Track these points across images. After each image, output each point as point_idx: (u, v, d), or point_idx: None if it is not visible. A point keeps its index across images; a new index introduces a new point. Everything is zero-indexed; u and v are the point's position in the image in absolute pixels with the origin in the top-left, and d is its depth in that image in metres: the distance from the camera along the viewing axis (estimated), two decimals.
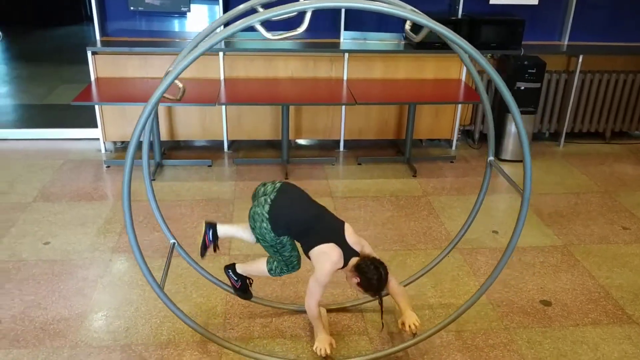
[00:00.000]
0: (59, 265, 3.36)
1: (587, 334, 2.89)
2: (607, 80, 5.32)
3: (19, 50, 6.07)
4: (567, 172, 4.91)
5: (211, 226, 2.72)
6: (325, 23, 5.06)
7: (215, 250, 2.74)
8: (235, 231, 2.73)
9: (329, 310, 2.97)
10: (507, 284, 3.29)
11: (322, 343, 2.53)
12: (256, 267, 2.69)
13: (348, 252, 2.49)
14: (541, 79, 4.90)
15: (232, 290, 2.86)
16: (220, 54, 4.84)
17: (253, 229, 2.52)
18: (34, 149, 5.07)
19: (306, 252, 2.54)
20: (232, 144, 5.25)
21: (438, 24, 2.02)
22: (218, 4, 4.79)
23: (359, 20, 5.05)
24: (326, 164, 4.95)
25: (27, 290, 3.10)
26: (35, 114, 5.74)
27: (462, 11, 4.97)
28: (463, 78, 5.13)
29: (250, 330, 2.85)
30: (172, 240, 2.89)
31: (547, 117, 5.45)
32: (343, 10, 4.88)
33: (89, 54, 4.72)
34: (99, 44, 4.77)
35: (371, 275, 2.44)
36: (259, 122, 5.11)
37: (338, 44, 5.00)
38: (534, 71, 4.81)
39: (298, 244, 2.59)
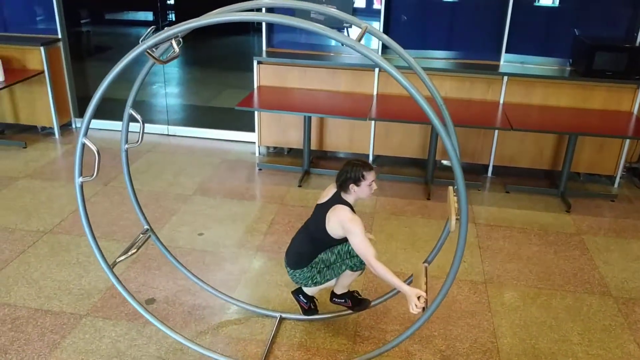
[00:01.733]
0: (209, 255, 3.62)
1: None
2: None
3: (192, 56, 6.67)
4: None
5: (298, 292, 2.88)
6: (486, 44, 4.92)
7: (316, 307, 2.91)
8: (318, 287, 2.83)
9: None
10: None
11: (411, 300, 2.33)
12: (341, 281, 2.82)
13: (340, 200, 2.57)
14: None
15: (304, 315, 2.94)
16: (376, 69, 4.92)
17: (312, 283, 2.70)
18: (197, 146, 5.54)
19: (330, 241, 2.59)
20: (377, 158, 5.30)
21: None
22: (379, 22, 4.87)
23: (522, 42, 4.84)
24: (472, 188, 4.80)
25: (180, 275, 3.38)
26: (202, 115, 6.27)
27: None
28: (635, 111, 4.69)
29: (380, 346, 2.84)
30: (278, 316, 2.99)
31: None
32: (506, 32, 4.71)
33: (255, 62, 5.06)
34: (264, 54, 5.09)
35: (352, 165, 2.51)
36: (405, 140, 5.10)
37: (497, 67, 4.83)
38: None
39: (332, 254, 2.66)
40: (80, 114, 5.93)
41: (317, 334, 2.91)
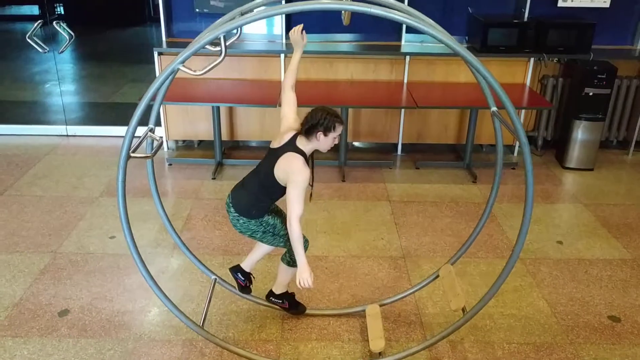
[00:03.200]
0: (123, 259, 3.46)
1: None
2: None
3: (86, 50, 6.32)
4: (636, 182, 4.70)
5: (236, 270, 2.86)
6: (387, 26, 5.02)
7: (251, 283, 2.90)
8: (254, 256, 2.86)
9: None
10: (573, 297, 3.17)
11: (303, 275, 2.38)
12: (284, 273, 2.80)
13: (295, 148, 2.46)
14: (611, 84, 4.70)
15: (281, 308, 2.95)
16: (282, 55, 4.88)
17: (249, 235, 2.63)
18: (101, 145, 5.26)
19: (277, 188, 2.48)
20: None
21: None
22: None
23: None
24: (384, 167, 4.91)
25: (94, 282, 3.21)
26: (103, 112, 5.96)
27: (529, 14, 4.83)
28: (528, 82, 4.98)
29: (308, 331, 2.85)
30: (213, 277, 3.00)
31: (616, 125, 5.22)
32: None
33: (155, 54, 4.86)
34: (164, 44, 4.90)
35: (326, 113, 2.42)
36: None
37: (399, 47, 4.95)
38: (603, 77, 4.62)
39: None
40: None
41: (244, 327, 2.88)
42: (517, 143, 5.20)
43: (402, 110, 5.03)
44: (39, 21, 4.83)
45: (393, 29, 5.00)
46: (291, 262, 2.67)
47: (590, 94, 4.66)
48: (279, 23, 4.98)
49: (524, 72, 4.97)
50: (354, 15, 5.24)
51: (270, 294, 2.87)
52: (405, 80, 4.96)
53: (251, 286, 2.89)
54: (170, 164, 4.87)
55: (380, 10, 1.90)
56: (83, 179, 4.54)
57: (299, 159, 2.40)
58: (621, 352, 2.75)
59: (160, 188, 4.41)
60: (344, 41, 5.12)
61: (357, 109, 5.01)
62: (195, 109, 5.00)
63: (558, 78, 5.04)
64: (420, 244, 3.68)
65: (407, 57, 4.87)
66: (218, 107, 4.73)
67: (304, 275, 2.37)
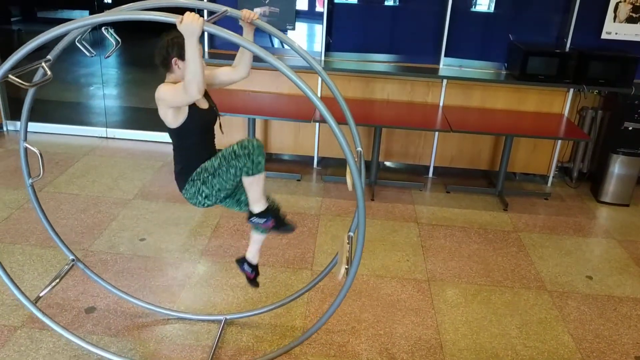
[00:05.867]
0: (151, 261, 3.53)
1: None
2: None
3: (131, 56, 6.50)
4: None
5: (242, 261, 2.71)
6: (426, 48, 5.04)
7: (258, 275, 2.74)
8: (254, 241, 2.66)
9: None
10: (600, 334, 3.09)
11: (188, 19, 1.88)
12: (256, 191, 2.41)
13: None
14: None
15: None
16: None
17: (204, 200, 2.38)
18: (137, 149, 5.39)
19: (181, 134, 2.31)
20: (322, 160, 5.33)
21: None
22: (322, 23, 4.90)
23: (460, 47, 4.99)
24: (414, 188, 4.90)
25: (122, 282, 3.29)
26: (142, 117, 6.11)
27: (570, 44, 4.78)
28: (566, 113, 4.92)
29: (327, 347, 2.85)
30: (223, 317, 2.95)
31: None
32: (445, 36, 4.84)
33: None
34: (206, 55, 5.02)
35: (161, 41, 2.23)
36: (350, 141, 5.14)
37: (437, 70, 4.96)
38: None
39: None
40: (12, 116, 5.66)
41: (263, 337, 2.90)
42: (551, 174, 5.12)
43: (436, 133, 5.02)
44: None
45: (432, 51, 5.01)
46: (248, 170, 2.29)
47: (630, 128, 4.58)
48: (319, 40, 5.04)
49: (562, 102, 4.92)
50: (394, 36, 5.28)
51: (250, 215, 2.46)
52: (441, 104, 4.96)
53: (258, 279, 2.73)
54: None
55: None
56: (118, 180, 4.65)
57: (160, 87, 2.22)
58: None
59: None
60: (381, 61, 5.15)
61: (391, 129, 5.02)
62: (232, 120, 5.09)
63: (597, 110, 4.96)
64: (445, 269, 3.65)
65: (444, 81, 4.87)
66: (254, 120, 4.81)
67: (187, 21, 1.88)
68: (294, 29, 4.96)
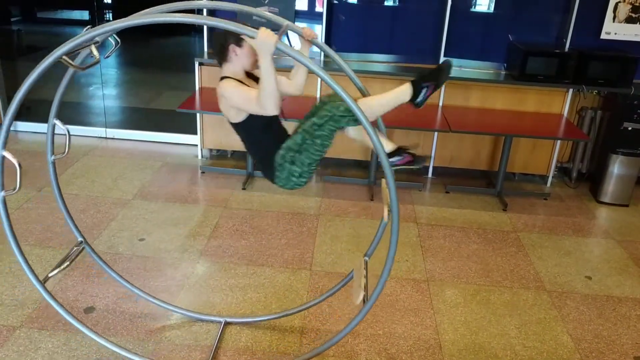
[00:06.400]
0: (150, 261, 3.53)
1: None
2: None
3: (131, 57, 6.51)
4: None
5: (391, 156, 2.34)
6: (425, 48, 5.04)
7: (413, 153, 2.38)
8: (372, 137, 2.12)
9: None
10: (599, 334, 3.09)
11: (263, 35, 1.91)
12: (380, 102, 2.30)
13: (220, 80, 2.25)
14: None
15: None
16: (321, 72, 4.92)
17: (298, 176, 2.32)
18: (137, 149, 5.40)
19: (249, 124, 2.28)
20: (322, 160, 5.32)
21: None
22: (321, 24, 4.91)
23: (459, 47, 4.99)
24: (413, 189, 4.90)
25: (121, 282, 3.28)
26: (141, 117, 6.12)
27: (570, 44, 4.78)
28: (565, 113, 4.92)
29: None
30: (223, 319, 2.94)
31: None
32: (445, 37, 4.84)
33: (196, 64, 4.98)
34: (206, 55, 5.02)
35: (217, 34, 2.22)
36: (349, 142, 5.13)
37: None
38: None
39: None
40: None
41: (262, 338, 2.90)
42: (551, 174, 5.12)
43: (435, 133, 5.02)
44: (88, 26, 5.01)
45: (431, 51, 5.01)
46: (343, 126, 2.23)
47: (629, 128, 4.58)
48: (320, 41, 5.04)
49: (561, 102, 4.92)
50: (394, 36, 5.28)
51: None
52: (441, 104, 4.96)
53: (415, 152, 2.37)
54: (203, 172, 4.96)
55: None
56: (118, 180, 4.66)
57: (220, 83, 2.22)
58: None
59: (191, 195, 4.51)
60: (381, 61, 5.15)
61: (390, 129, 5.01)
62: (225, 120, 5.09)
63: (597, 110, 4.96)
64: (445, 269, 3.65)
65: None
66: None
67: (263, 37, 1.91)
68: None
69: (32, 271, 2.41)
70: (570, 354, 2.92)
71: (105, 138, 5.64)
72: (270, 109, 2.05)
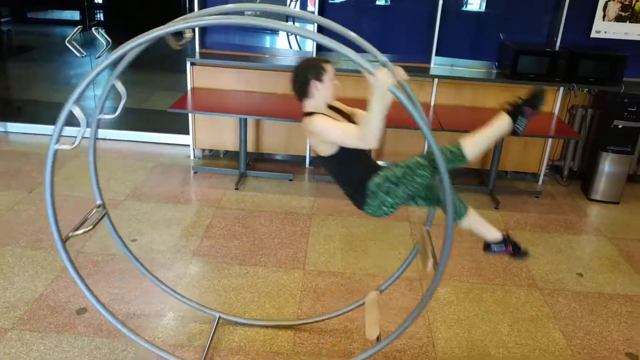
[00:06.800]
0: (143, 262, 3.50)
1: None
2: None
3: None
4: None
5: (487, 248, 2.59)
6: (417, 47, 5.05)
7: (517, 245, 2.55)
8: (478, 226, 2.56)
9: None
10: (590, 331, 3.11)
11: (383, 76, 1.98)
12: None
13: (304, 115, 2.34)
14: None
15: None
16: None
17: (389, 208, 2.36)
18: (129, 150, 5.38)
19: (338, 157, 2.31)
20: (314, 160, 5.33)
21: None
22: (312, 24, 4.90)
23: (451, 46, 5.01)
24: None
25: (113, 283, 3.28)
26: (133, 118, 6.09)
27: (561, 43, 4.81)
28: (556, 112, 4.95)
29: (319, 347, 2.86)
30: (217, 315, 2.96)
31: None
32: (436, 36, 4.85)
33: (188, 64, 4.97)
34: (197, 55, 5.01)
35: (306, 63, 2.31)
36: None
37: (428, 69, 4.98)
38: (634, 110, 4.56)
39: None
40: (1, 116, 5.63)
41: (256, 337, 2.89)
42: (542, 172, 5.15)
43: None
44: (79, 26, 4.99)
45: (423, 50, 5.02)
46: (460, 210, 2.39)
47: (620, 126, 4.61)
48: (312, 41, 5.04)
49: (552, 101, 4.94)
50: (386, 35, 5.29)
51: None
52: (433, 103, 4.97)
53: (519, 242, 2.53)
54: (195, 172, 4.95)
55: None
56: (110, 181, 4.64)
57: (307, 118, 2.28)
58: None
59: (184, 195, 4.50)
60: (373, 61, 5.15)
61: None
62: (223, 120, 5.08)
63: (587, 109, 4.99)
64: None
65: (436, 80, 4.89)
66: (245, 119, 4.80)
67: (382, 77, 1.99)
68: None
69: (59, 231, 2.43)
70: (562, 351, 2.93)
71: (97, 139, 5.58)
72: (372, 143, 2.10)
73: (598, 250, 4.05)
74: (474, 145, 2.34)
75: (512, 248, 2.52)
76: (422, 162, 2.29)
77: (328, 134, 2.21)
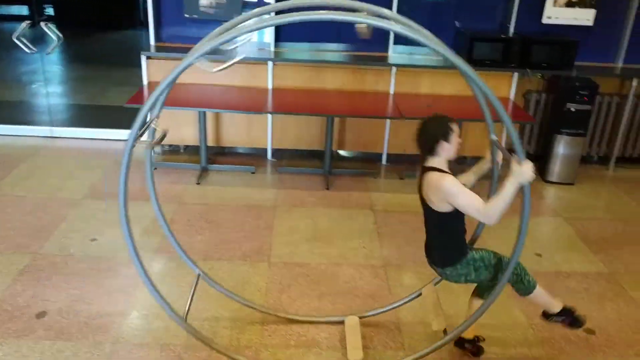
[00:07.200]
0: (104, 262, 3.45)
1: None
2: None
3: (75, 53, 6.31)
4: (615, 198, 4.78)
5: (460, 343, 2.81)
6: (375, 36, 5.06)
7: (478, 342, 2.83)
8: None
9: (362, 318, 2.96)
10: None
11: (526, 173, 2.17)
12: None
13: (427, 169, 2.42)
14: (592, 101, 4.78)
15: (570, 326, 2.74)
16: (270, 63, 4.91)
17: (465, 280, 2.57)
18: (85, 147, 5.24)
19: (451, 219, 2.42)
20: (276, 152, 5.31)
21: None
22: (269, 14, 4.86)
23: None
24: (368, 176, 4.95)
25: (74, 284, 3.20)
26: (89, 114, 5.95)
27: (514, 30, 4.91)
28: (512, 97, 5.06)
29: (287, 338, 2.86)
30: (197, 272, 2.94)
31: (597, 141, 5.31)
32: None
33: (143, 58, 4.86)
34: (153, 49, 4.91)
35: (434, 122, 2.40)
36: (303, 132, 5.15)
37: (386, 58, 5.01)
38: (585, 93, 4.70)
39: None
40: None
41: (223, 332, 2.88)
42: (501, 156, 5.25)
43: (388, 120, 5.08)
44: (27, 21, 4.82)
45: (381, 40, 5.05)
46: (525, 290, 2.59)
47: (572, 109, 4.74)
48: (270, 31, 5.00)
49: (508, 86, 5.05)
50: (344, 25, 5.29)
51: (547, 315, 2.72)
52: (392, 91, 5.01)
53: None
54: (155, 168, 4.86)
55: (381, 23, 1.95)
56: (66, 180, 4.52)
57: (434, 173, 2.35)
58: None
59: (144, 192, 4.40)
60: (332, 50, 5.16)
61: (343, 117, 5.04)
62: (183, 114, 5.01)
63: (541, 93, 5.12)
64: (401, 254, 3.71)
65: (394, 69, 4.92)
66: (204, 113, 4.74)
67: (523, 171, 2.18)
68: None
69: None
70: (524, 330, 3.02)
71: (52, 137, 5.44)
72: (492, 222, 2.25)
73: (555, 230, 4.17)
74: (542, 294, 2.63)
75: (570, 320, 2.69)
76: (515, 270, 2.54)
77: (455, 198, 2.28)
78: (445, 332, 2.62)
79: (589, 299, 3.33)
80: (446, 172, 2.35)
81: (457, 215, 2.38)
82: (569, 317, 2.68)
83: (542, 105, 5.13)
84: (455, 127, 2.37)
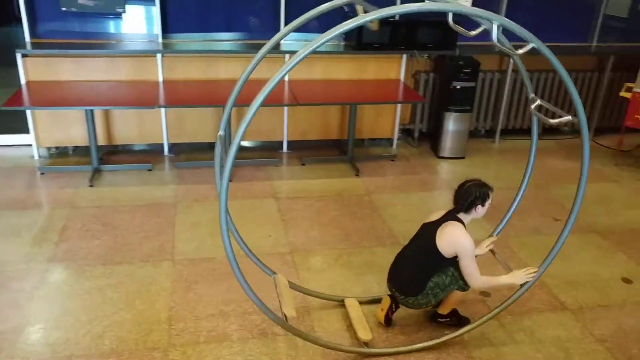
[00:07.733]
0: None
1: (524, 322, 3.01)
2: (537, 79, 5.57)
3: None
4: (502, 167, 5.11)
5: (435, 319, 2.96)
6: (266, 24, 5.05)
7: (461, 317, 2.99)
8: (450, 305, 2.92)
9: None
10: None
11: (522, 278, 2.70)
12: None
13: (455, 217, 2.69)
14: (476, 78, 5.07)
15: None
16: (158, 55, 4.74)
17: (425, 307, 2.81)
18: None
19: (441, 260, 2.66)
20: (173, 147, 5.16)
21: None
22: (155, 5, 4.69)
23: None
24: (270, 165, 4.94)
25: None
26: None
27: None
28: (402, 78, 5.24)
29: (196, 335, 2.81)
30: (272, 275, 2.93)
31: (483, 115, 5.65)
32: (283, 11, 4.88)
33: (19, 56, 4.52)
34: (28, 46, 4.58)
35: (477, 186, 2.68)
36: (200, 125, 5.04)
37: (279, 45, 4.99)
38: (468, 71, 4.97)
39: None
40: None
41: (127, 337, 2.77)
42: (395, 136, 5.45)
43: (285, 108, 5.09)
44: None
45: (272, 27, 5.03)
46: (465, 287, 2.74)
47: (458, 87, 5.00)
48: (157, 22, 4.81)
49: (397, 68, 5.22)
50: (234, 13, 5.22)
51: (438, 315, 2.93)
52: (287, 79, 5.02)
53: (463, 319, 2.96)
54: (42, 173, 4.56)
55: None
56: None
57: (460, 226, 2.62)
58: (491, 322, 2.98)
59: (31, 199, 4.14)
60: (224, 40, 5.07)
61: (241, 107, 4.98)
62: (68, 114, 4.72)
63: (429, 73, 5.35)
64: (307, 239, 3.75)
65: (287, 55, 4.93)
66: (92, 111, 4.50)
67: (522, 275, 2.69)
68: (124, 12, 4.70)
69: None
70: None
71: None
72: (472, 287, 2.71)
73: (450, 204, 4.37)
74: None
75: (457, 320, 2.95)
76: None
77: (464, 259, 2.60)
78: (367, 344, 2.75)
79: (482, 266, 3.54)
80: (464, 226, 2.66)
81: (445, 266, 2.69)
82: (457, 317, 2.96)
83: (431, 84, 5.37)
84: (491, 194, 2.69)
